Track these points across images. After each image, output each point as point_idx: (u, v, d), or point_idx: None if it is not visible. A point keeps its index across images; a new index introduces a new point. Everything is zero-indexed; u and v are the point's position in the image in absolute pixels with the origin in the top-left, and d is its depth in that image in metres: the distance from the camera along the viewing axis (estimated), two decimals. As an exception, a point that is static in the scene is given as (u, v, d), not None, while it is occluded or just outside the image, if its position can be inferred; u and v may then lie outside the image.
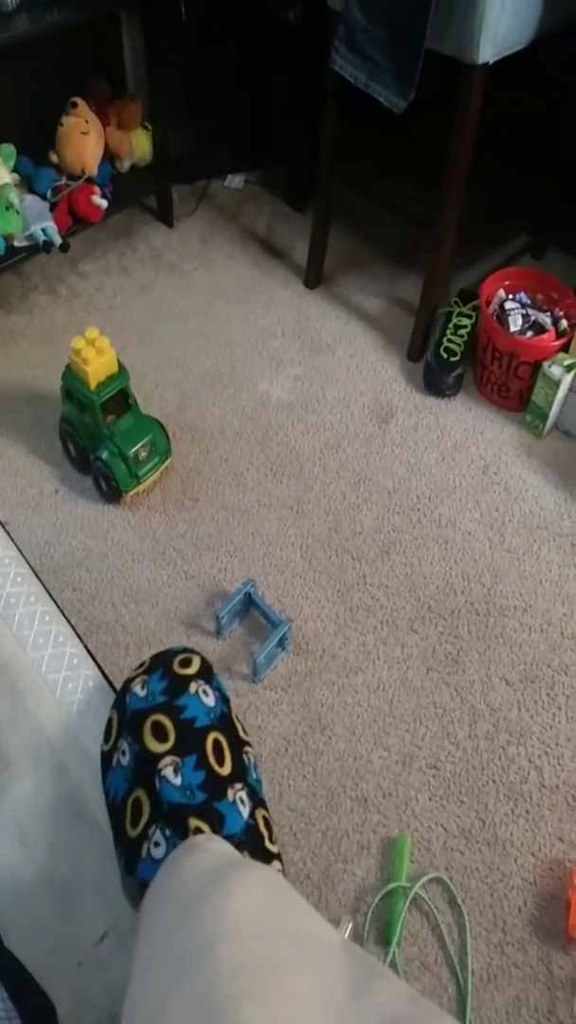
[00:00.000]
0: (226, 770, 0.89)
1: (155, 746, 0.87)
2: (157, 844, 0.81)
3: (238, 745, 0.93)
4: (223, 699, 0.98)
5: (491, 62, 1.38)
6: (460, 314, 1.79)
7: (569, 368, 1.57)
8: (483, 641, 1.37)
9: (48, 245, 1.76)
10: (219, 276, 1.98)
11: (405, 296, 1.94)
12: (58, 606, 1.05)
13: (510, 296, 1.73)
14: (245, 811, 0.89)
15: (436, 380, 1.73)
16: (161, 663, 0.95)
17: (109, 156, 1.96)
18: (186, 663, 0.96)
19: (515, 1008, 1.03)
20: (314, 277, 1.96)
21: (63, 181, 1.86)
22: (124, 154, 2.00)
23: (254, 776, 0.92)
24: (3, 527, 1.13)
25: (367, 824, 1.16)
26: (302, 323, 1.87)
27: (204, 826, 0.83)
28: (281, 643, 1.30)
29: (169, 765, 0.86)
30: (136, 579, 1.39)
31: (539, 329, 1.66)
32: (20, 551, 1.12)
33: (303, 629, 1.35)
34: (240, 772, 0.90)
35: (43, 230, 1.75)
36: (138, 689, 0.92)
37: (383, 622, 1.38)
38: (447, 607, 1.40)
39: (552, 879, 1.13)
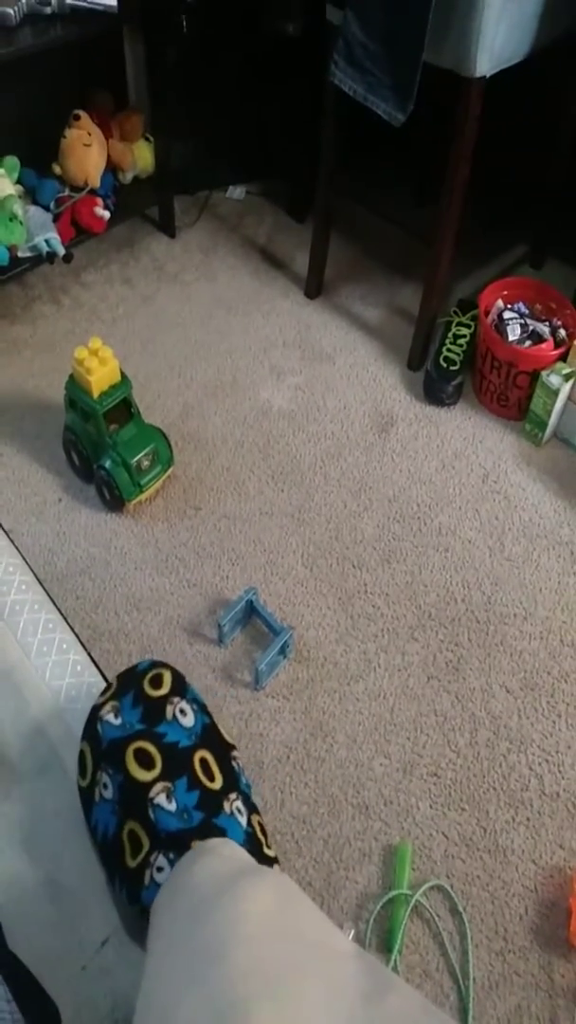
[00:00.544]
0: (218, 784, 0.88)
1: (142, 774, 0.84)
2: (160, 869, 0.79)
3: (225, 753, 0.92)
4: (201, 710, 0.96)
5: (488, 75, 1.39)
6: (459, 324, 1.81)
7: (567, 377, 1.58)
8: (483, 649, 1.37)
9: (51, 256, 1.78)
10: (221, 286, 1.99)
11: (405, 306, 1.95)
12: (62, 614, 1.06)
13: (508, 306, 1.75)
14: (243, 820, 0.88)
15: (436, 389, 1.74)
16: (130, 685, 0.93)
17: (112, 168, 1.98)
18: (157, 682, 0.94)
19: (517, 1016, 1.03)
20: (315, 287, 1.97)
21: (66, 192, 1.88)
22: (127, 166, 2.02)
23: (244, 781, 0.92)
24: (7, 535, 1.14)
25: (368, 831, 1.17)
26: (303, 333, 1.89)
27: None
28: (283, 651, 1.31)
29: (161, 792, 0.84)
30: (139, 587, 1.40)
31: (537, 339, 1.68)
32: (24, 559, 1.13)
33: (304, 637, 1.36)
34: (232, 781, 0.89)
35: (46, 241, 1.77)
36: (111, 717, 0.89)
37: (384, 630, 1.38)
38: (447, 615, 1.41)
39: (553, 886, 1.13)
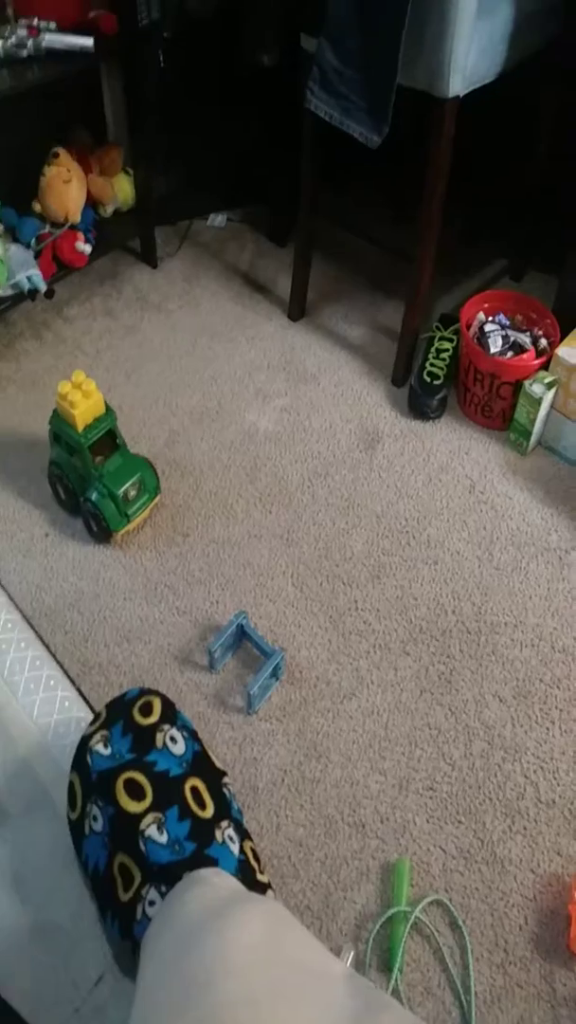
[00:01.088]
0: (209, 812, 0.88)
1: (132, 806, 0.84)
2: (152, 903, 0.80)
3: (216, 780, 0.92)
4: (191, 736, 0.96)
5: (461, 95, 1.42)
6: (442, 338, 1.82)
7: (549, 386, 1.59)
8: (475, 659, 1.38)
9: (33, 293, 1.80)
10: (204, 313, 2.02)
11: (387, 323, 1.97)
12: (49, 650, 1.07)
13: (489, 318, 1.76)
14: (235, 848, 0.89)
15: (420, 404, 1.76)
16: (120, 714, 0.93)
17: (92, 202, 2.01)
18: (147, 710, 0.94)
19: (520, 1028, 1.03)
20: (297, 309, 1.99)
21: (47, 229, 1.91)
22: (107, 200, 2.05)
23: (235, 808, 0.92)
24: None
25: (366, 850, 1.17)
26: (287, 355, 1.91)
27: None
28: (275, 673, 1.32)
29: (152, 823, 0.83)
30: (128, 618, 1.42)
31: (519, 349, 1.69)
32: (10, 597, 1.15)
33: (296, 658, 1.37)
34: (223, 809, 0.90)
35: (28, 278, 1.79)
36: (100, 747, 0.89)
37: (375, 646, 1.39)
38: (438, 627, 1.42)
39: (552, 894, 1.13)
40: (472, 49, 1.37)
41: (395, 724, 1.30)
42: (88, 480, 1.46)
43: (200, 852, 0.85)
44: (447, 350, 1.80)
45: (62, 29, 1.69)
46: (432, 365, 1.77)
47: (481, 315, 1.77)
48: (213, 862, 0.85)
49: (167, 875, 0.82)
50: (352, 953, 1.08)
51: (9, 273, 1.77)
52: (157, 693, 0.96)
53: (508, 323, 1.75)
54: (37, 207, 1.91)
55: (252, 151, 2.15)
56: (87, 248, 1.94)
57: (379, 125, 1.45)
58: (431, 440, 1.72)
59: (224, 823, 0.91)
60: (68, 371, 1.53)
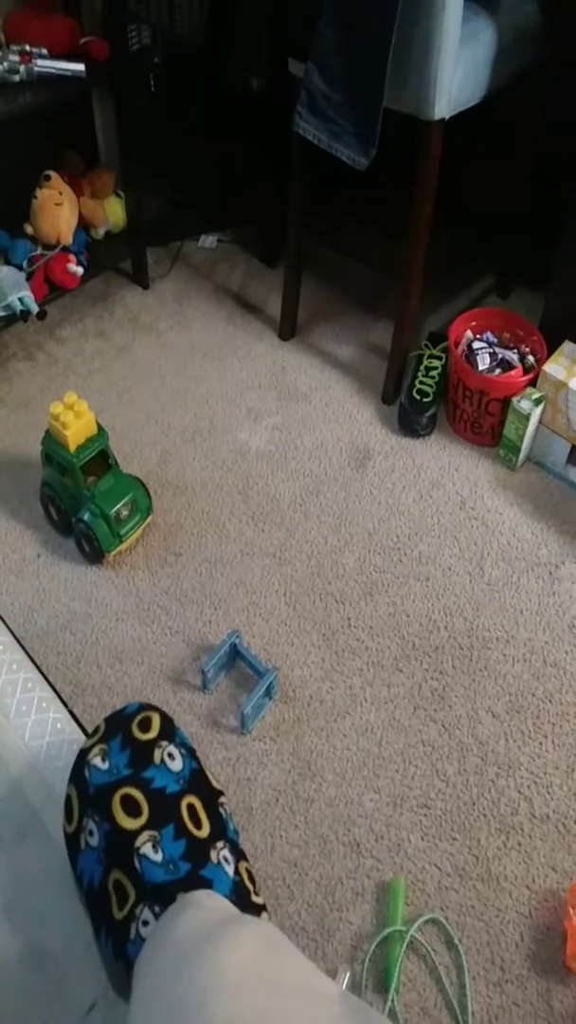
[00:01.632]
0: (205, 832, 0.88)
1: (128, 822, 0.84)
2: (146, 923, 0.79)
3: (212, 800, 0.92)
4: (189, 754, 0.96)
5: (447, 117, 1.44)
6: (431, 356, 1.83)
7: (537, 402, 1.60)
8: (468, 675, 1.38)
9: (25, 314, 1.82)
10: (195, 334, 2.03)
11: (377, 342, 1.99)
12: (41, 672, 1.07)
13: (477, 336, 1.78)
14: (230, 869, 0.88)
15: (410, 421, 1.77)
16: (119, 728, 0.93)
17: (84, 225, 2.03)
18: (145, 725, 0.94)
19: (517, 1047, 1.03)
20: (288, 329, 2.01)
21: (38, 251, 1.92)
22: (98, 222, 2.07)
23: (231, 828, 0.92)
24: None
25: (361, 869, 1.17)
26: (278, 374, 1.92)
27: None
28: (268, 692, 1.32)
29: (147, 841, 0.83)
30: (121, 639, 1.42)
31: (507, 366, 1.70)
32: (1, 618, 1.15)
33: (290, 676, 1.37)
34: (219, 829, 0.89)
35: (20, 299, 1.80)
36: (98, 761, 0.89)
37: (369, 663, 1.39)
38: (431, 643, 1.42)
39: (547, 910, 1.13)
40: (456, 73, 1.39)
41: (389, 741, 1.30)
42: (80, 500, 1.47)
43: (194, 873, 0.85)
44: (436, 368, 1.81)
45: (54, 55, 1.71)
46: (421, 383, 1.79)
47: (469, 333, 1.79)
48: (207, 883, 0.85)
49: (161, 895, 0.82)
50: (348, 974, 1.08)
51: (1, 294, 1.78)
52: (156, 709, 0.96)
53: (496, 340, 1.77)
54: (29, 229, 1.93)
55: (242, 173, 2.17)
56: (79, 270, 1.96)
57: (366, 148, 1.47)
58: (421, 457, 1.73)
59: (220, 843, 0.90)
60: (60, 392, 1.54)
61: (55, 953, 0.86)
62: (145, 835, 0.84)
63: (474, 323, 1.80)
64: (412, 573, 1.52)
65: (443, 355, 1.82)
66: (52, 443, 1.46)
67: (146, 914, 0.80)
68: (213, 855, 0.87)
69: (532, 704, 1.34)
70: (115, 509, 1.46)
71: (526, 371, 1.67)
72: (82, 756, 0.91)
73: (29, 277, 1.87)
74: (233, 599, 1.48)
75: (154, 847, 0.84)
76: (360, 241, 1.93)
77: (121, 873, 0.83)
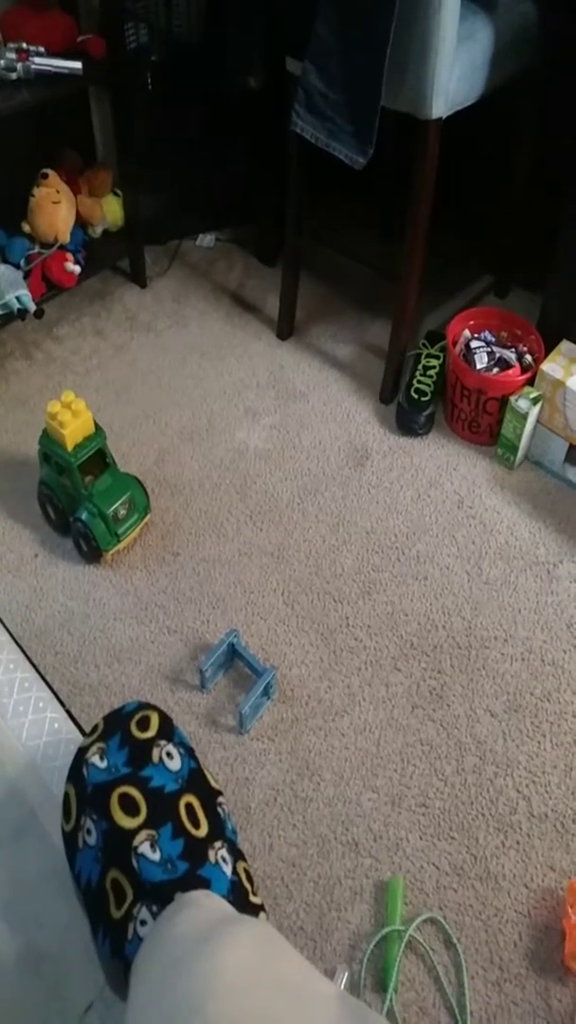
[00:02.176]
0: (203, 831, 0.88)
1: (126, 821, 0.84)
2: (144, 922, 0.79)
3: (211, 799, 0.92)
4: (187, 753, 0.96)
5: (444, 116, 1.44)
6: (428, 355, 1.83)
7: (535, 401, 1.60)
8: (466, 674, 1.38)
9: (23, 313, 1.81)
10: (193, 333, 2.03)
11: (375, 341, 1.98)
12: (38, 671, 1.07)
13: (475, 335, 1.78)
14: (228, 869, 0.88)
15: (408, 420, 1.77)
16: (117, 727, 0.93)
17: (81, 223, 2.03)
18: (144, 724, 0.94)
19: (516, 1046, 1.03)
20: (286, 328, 2.01)
21: (36, 250, 1.92)
22: (96, 220, 2.06)
23: (230, 827, 0.92)
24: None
25: (359, 869, 1.17)
26: (276, 373, 1.92)
27: None
28: (266, 692, 1.32)
29: (145, 840, 0.83)
30: (119, 638, 1.41)
31: (504, 365, 1.70)
32: (1, 619, 1.15)
33: (288, 676, 1.37)
34: (218, 829, 0.89)
35: (17, 298, 1.80)
36: (96, 760, 0.89)
37: (367, 662, 1.39)
38: (429, 643, 1.42)
39: (545, 909, 1.13)
40: (454, 73, 1.39)
41: (387, 741, 1.30)
42: (78, 500, 1.47)
43: (192, 873, 0.85)
44: (434, 367, 1.81)
45: (51, 53, 1.70)
46: (419, 382, 1.79)
47: (467, 332, 1.79)
48: (205, 883, 0.85)
49: (159, 894, 0.82)
50: (346, 974, 1.07)
51: (-1, 293, 1.78)
52: (155, 708, 0.96)
53: (493, 340, 1.77)
54: (26, 228, 1.92)
55: (239, 172, 2.17)
56: (76, 268, 1.95)
57: (364, 147, 1.47)
58: (419, 456, 1.73)
59: (218, 843, 0.90)
60: (58, 391, 1.53)
61: (52, 954, 0.86)
62: (143, 834, 0.84)
63: (472, 322, 1.80)
64: (410, 572, 1.52)
65: (441, 354, 1.82)
66: (49, 442, 1.46)
67: (144, 913, 0.80)
68: (211, 855, 0.87)
69: (530, 703, 1.34)
70: (113, 508, 1.46)
71: (524, 370, 1.67)
72: (80, 754, 0.91)
73: (26, 276, 1.86)
74: (231, 598, 1.48)
75: (152, 846, 0.84)
76: (358, 241, 1.93)
77: (119, 872, 0.83)
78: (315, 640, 1.42)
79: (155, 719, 0.96)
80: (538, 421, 1.64)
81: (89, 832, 0.86)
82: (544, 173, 1.77)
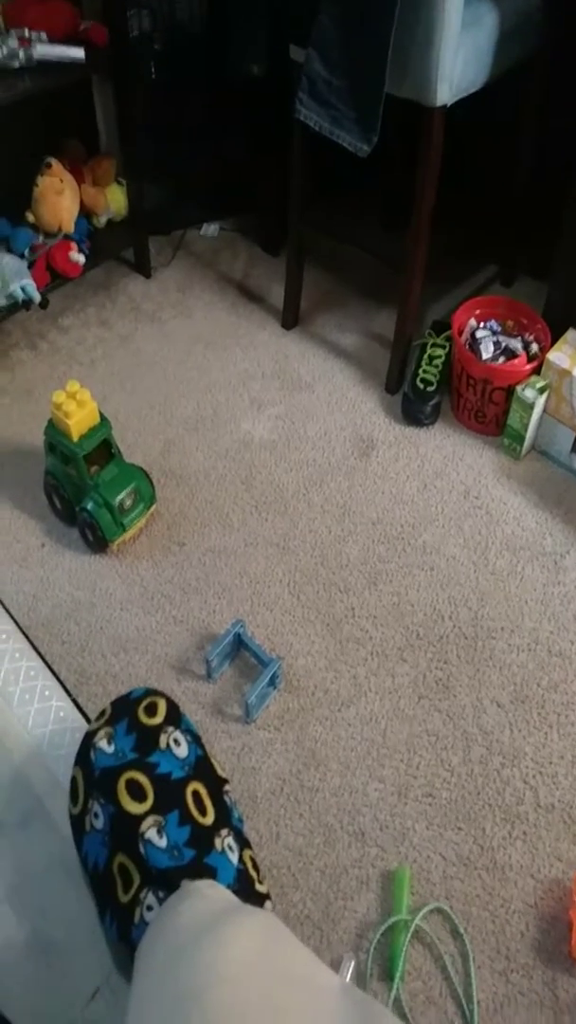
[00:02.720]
0: (210, 819, 0.88)
1: (133, 807, 0.84)
2: (150, 908, 0.80)
3: (217, 787, 0.92)
4: (195, 740, 0.96)
5: (449, 104, 1.43)
6: (434, 345, 1.82)
7: (542, 390, 1.59)
8: (472, 665, 1.38)
9: (27, 303, 1.80)
10: (198, 323, 2.02)
11: (380, 331, 1.97)
12: (44, 661, 1.07)
13: (481, 324, 1.77)
14: (235, 857, 0.88)
15: (414, 410, 1.76)
16: (125, 712, 0.93)
17: (85, 212, 2.02)
18: (151, 710, 0.94)
19: (523, 1036, 1.03)
20: (291, 318, 2.00)
21: (40, 240, 1.91)
22: (100, 210, 2.05)
23: (236, 816, 0.92)
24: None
25: (366, 858, 1.17)
26: (281, 363, 1.91)
27: None
28: (272, 682, 1.32)
29: (152, 827, 0.83)
30: (125, 628, 1.41)
31: (510, 354, 1.69)
32: (5, 607, 1.15)
33: (294, 666, 1.37)
34: (224, 817, 0.89)
35: (22, 288, 1.79)
36: (104, 745, 0.89)
37: (373, 653, 1.39)
38: (436, 633, 1.42)
39: (553, 900, 1.13)
40: (458, 59, 1.38)
41: (393, 731, 1.30)
42: (83, 490, 1.46)
43: (199, 860, 0.85)
44: (440, 357, 1.80)
45: (53, 40, 1.69)
46: (425, 372, 1.78)
47: (472, 321, 1.78)
48: (211, 871, 0.85)
49: (165, 881, 0.82)
50: (353, 963, 1.07)
51: (3, 283, 1.77)
52: (163, 694, 0.96)
53: (499, 329, 1.76)
54: (30, 217, 1.92)
55: (243, 161, 2.16)
56: (81, 258, 1.94)
57: (368, 135, 1.46)
58: (425, 446, 1.73)
59: (224, 831, 0.90)
60: (63, 381, 1.53)
61: (58, 941, 0.86)
62: (150, 820, 0.84)
63: (478, 311, 1.79)
64: (416, 563, 1.52)
65: (446, 344, 1.81)
66: (55, 432, 1.45)
67: (150, 899, 0.80)
68: (217, 843, 0.87)
69: (537, 694, 1.33)
70: (118, 498, 1.46)
71: (530, 359, 1.66)
72: (88, 739, 0.91)
73: (31, 265, 1.85)
74: (237, 588, 1.47)
75: (159, 833, 0.84)
76: (362, 230, 1.92)
77: (126, 857, 0.83)
78: (321, 630, 1.42)
79: (163, 705, 0.96)
80: (544, 411, 1.63)
81: (96, 816, 0.86)
82: (548, 161, 1.76)
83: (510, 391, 1.64)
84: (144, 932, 0.78)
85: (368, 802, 1.22)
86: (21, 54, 1.64)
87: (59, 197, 1.90)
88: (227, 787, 0.96)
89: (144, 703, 0.94)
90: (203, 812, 0.89)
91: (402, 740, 1.29)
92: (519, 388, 1.61)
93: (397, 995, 1.05)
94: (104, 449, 1.48)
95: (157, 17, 2.01)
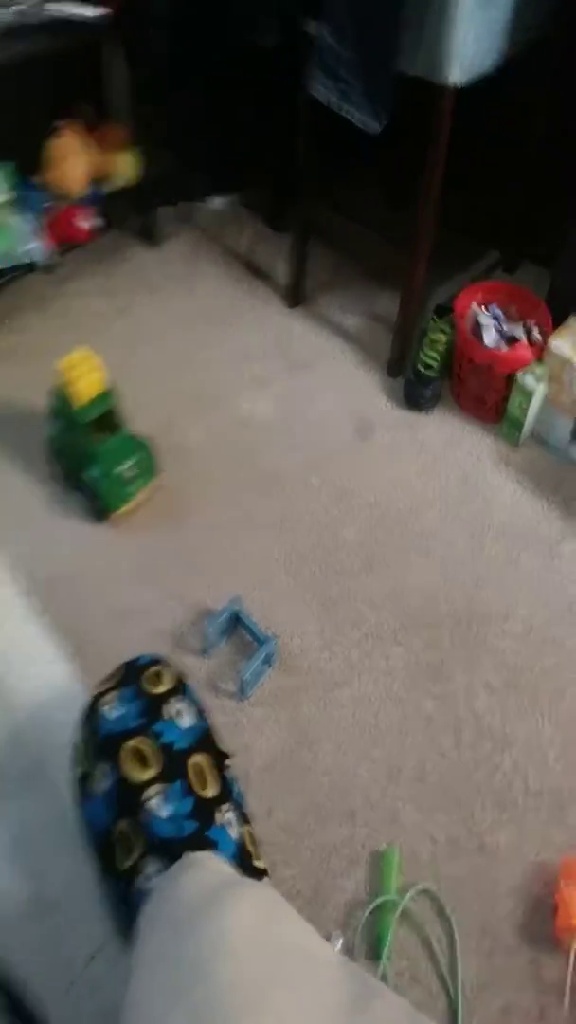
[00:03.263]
0: (211, 792, 0.88)
1: (136, 774, 0.84)
2: (150, 876, 0.80)
3: (220, 761, 0.92)
4: (199, 712, 0.97)
5: (460, 84, 1.41)
6: (436, 329, 1.81)
7: (542, 378, 1.59)
8: (466, 649, 1.38)
9: (34, 266, 1.78)
10: (202, 296, 2.00)
11: (383, 313, 1.96)
12: (46, 626, 1.06)
13: (484, 310, 1.76)
14: (234, 832, 0.89)
15: (415, 394, 1.76)
16: (131, 678, 0.93)
17: (95, 178, 1.98)
18: (157, 679, 0.94)
19: (506, 1015, 1.05)
20: (295, 296, 1.98)
21: (49, 203, 1.88)
22: (109, 176, 2.02)
23: (236, 791, 0.92)
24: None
25: (356, 838, 1.18)
26: (284, 342, 1.90)
27: None
28: (267, 660, 1.32)
29: (155, 795, 0.84)
30: (123, 598, 1.41)
31: (512, 341, 1.69)
32: (9, 572, 1.14)
33: (289, 645, 1.37)
34: (225, 791, 0.90)
35: (30, 251, 1.77)
36: (109, 710, 0.90)
37: (367, 635, 1.39)
38: (430, 617, 1.42)
39: (539, 883, 1.14)
40: (471, 38, 1.36)
41: (386, 713, 1.31)
42: (87, 458, 1.45)
43: (200, 833, 0.86)
44: (442, 341, 1.79)
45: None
46: (427, 356, 1.77)
47: (475, 306, 1.77)
48: (212, 844, 0.86)
49: (167, 851, 0.82)
50: (341, 941, 1.09)
51: (11, 246, 1.75)
52: (168, 663, 0.96)
53: (501, 314, 1.76)
54: (41, 180, 1.88)
55: (251, 135, 2.13)
56: (89, 224, 1.92)
57: (378, 112, 1.44)
58: (424, 431, 1.72)
59: (225, 806, 0.91)
60: (69, 347, 1.50)
61: (57, 904, 0.86)
62: (152, 789, 0.85)
63: (480, 296, 1.78)
64: (413, 547, 1.52)
65: (449, 328, 1.80)
66: (60, 399, 1.44)
67: (151, 868, 0.81)
68: (218, 817, 0.88)
69: (529, 680, 1.35)
70: (121, 468, 1.45)
71: (532, 346, 1.66)
72: (94, 702, 0.91)
73: (40, 229, 1.83)
74: (234, 566, 1.47)
75: (161, 802, 0.84)
76: (368, 210, 1.90)
77: (128, 824, 0.83)
78: (317, 611, 1.42)
79: (168, 675, 0.96)
80: (545, 399, 1.63)
81: (99, 781, 0.86)
82: (556, 147, 1.75)
83: (511, 378, 1.64)
84: (144, 899, 0.79)
85: (359, 783, 1.23)
86: (33, 12, 1.61)
87: (70, 160, 1.87)
88: (228, 762, 0.97)
89: (150, 671, 0.94)
90: (204, 785, 0.90)
91: (394, 722, 1.30)
92: (520, 375, 1.61)
93: (383, 973, 1.06)
94: (109, 418, 1.47)
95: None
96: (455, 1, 1.29)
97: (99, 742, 0.88)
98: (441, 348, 1.78)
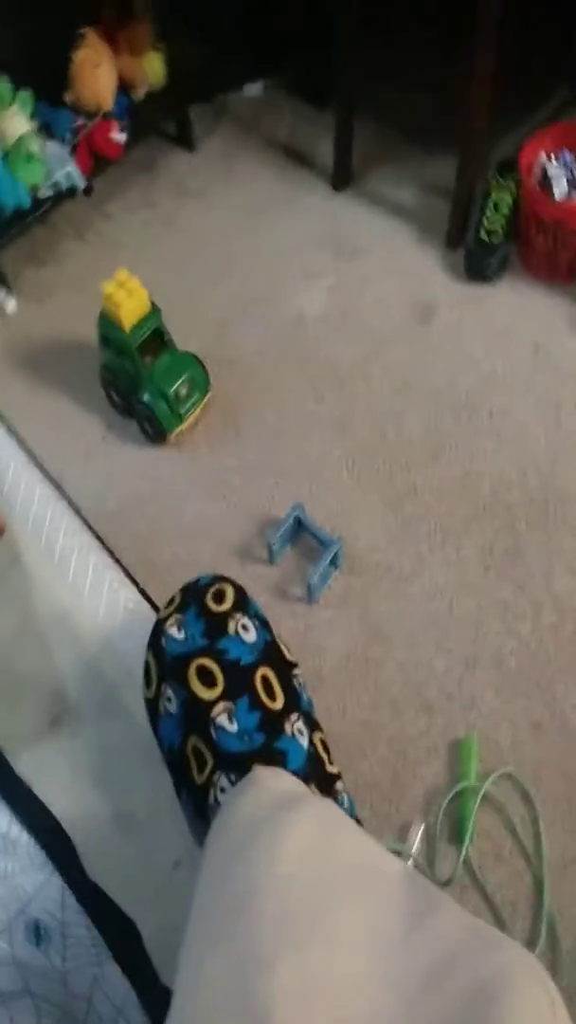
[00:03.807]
0: (279, 703, 0.89)
1: (204, 693, 0.86)
2: (223, 789, 0.82)
3: (287, 671, 0.92)
4: (263, 625, 0.97)
5: None
6: (500, 189, 1.68)
7: (615, 230, 1.46)
8: (543, 531, 1.33)
9: (72, 191, 1.76)
10: (245, 194, 1.92)
11: (439, 181, 1.83)
12: (111, 554, 1.09)
13: (553, 159, 1.61)
14: (304, 741, 0.90)
15: (478, 264, 1.65)
16: (193, 599, 0.94)
17: (123, 86, 1.92)
18: (220, 597, 0.95)
19: (593, 890, 1.05)
20: (342, 177, 1.88)
21: (81, 122, 1.84)
22: (138, 81, 1.94)
23: (305, 699, 0.93)
24: (52, 481, 1.16)
25: (433, 729, 1.18)
26: (333, 229, 1.81)
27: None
28: (334, 562, 1.32)
29: (223, 712, 0.85)
30: (188, 516, 1.43)
31: (584, 192, 1.55)
32: (71, 502, 1.17)
33: (355, 546, 1.36)
34: (293, 700, 0.90)
35: (67, 175, 1.74)
36: (175, 632, 0.91)
37: (436, 528, 1.36)
38: (503, 502, 1.37)
39: (624, 763, 1.12)
40: None
41: (459, 603, 1.29)
42: (139, 381, 1.45)
43: (269, 744, 0.87)
44: (506, 202, 1.66)
45: None
46: (489, 221, 1.65)
47: (543, 156, 1.62)
48: (282, 755, 0.87)
49: (238, 765, 0.84)
50: (423, 826, 1.11)
51: (47, 172, 1.73)
52: (230, 580, 0.97)
53: (573, 160, 1.60)
54: (69, 98, 1.84)
55: (284, 8, 1.99)
56: (122, 137, 1.86)
57: None
58: (490, 304, 1.62)
59: (294, 716, 0.91)
60: (112, 270, 1.49)
61: (140, 817, 0.91)
62: (220, 706, 0.86)
63: (549, 142, 1.62)
64: (482, 430, 1.46)
65: (514, 186, 1.66)
66: (107, 324, 1.43)
67: (223, 781, 0.83)
68: (287, 727, 0.89)
69: (610, 557, 1.29)
70: (174, 388, 1.45)
71: (605, 196, 1.52)
72: (158, 626, 0.93)
73: (73, 151, 1.79)
74: (295, 472, 1.46)
75: (229, 718, 0.86)
76: (416, 66, 1.75)
77: (199, 740, 0.86)
78: (382, 509, 1.40)
79: (230, 592, 0.96)
80: (620, 253, 1.50)
81: (170, 700, 0.89)
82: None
83: (583, 233, 1.50)
84: (214, 814, 0.81)
85: (434, 674, 1.23)
86: None
87: (97, 71, 1.80)
88: (296, 671, 0.98)
89: (212, 590, 0.95)
90: (272, 697, 0.90)
91: (469, 612, 1.28)
92: (592, 229, 1.48)
93: (466, 855, 1.08)
94: (156, 338, 1.46)
95: None
96: None
97: (167, 665, 0.90)
98: (506, 210, 1.66)
